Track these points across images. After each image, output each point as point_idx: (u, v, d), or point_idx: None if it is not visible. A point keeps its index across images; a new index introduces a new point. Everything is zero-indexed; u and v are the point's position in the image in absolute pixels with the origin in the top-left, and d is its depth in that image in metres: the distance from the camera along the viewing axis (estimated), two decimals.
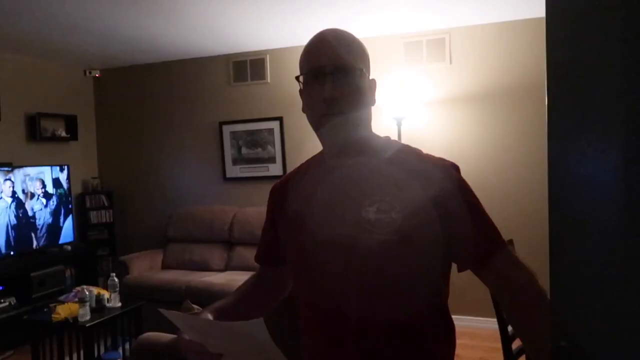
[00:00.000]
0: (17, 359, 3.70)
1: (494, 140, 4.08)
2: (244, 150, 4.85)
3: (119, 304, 3.30)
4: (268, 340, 0.89)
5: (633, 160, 0.56)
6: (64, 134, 4.91)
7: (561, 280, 0.65)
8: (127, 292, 3.98)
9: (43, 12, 3.45)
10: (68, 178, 4.73)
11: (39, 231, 4.44)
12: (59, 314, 3.07)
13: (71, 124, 4.98)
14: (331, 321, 1.01)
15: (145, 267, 4.51)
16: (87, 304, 3.08)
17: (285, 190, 1.15)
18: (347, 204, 1.01)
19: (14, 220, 4.23)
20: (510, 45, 4.01)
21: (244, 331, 0.90)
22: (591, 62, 0.60)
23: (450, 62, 4.16)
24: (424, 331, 1.01)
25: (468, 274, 1.04)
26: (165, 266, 4.64)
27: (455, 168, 1.04)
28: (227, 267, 4.47)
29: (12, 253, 4.17)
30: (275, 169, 4.72)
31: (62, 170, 4.69)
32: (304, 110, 1.08)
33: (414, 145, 1.11)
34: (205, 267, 4.46)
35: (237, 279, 3.97)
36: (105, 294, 3.31)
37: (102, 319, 3.13)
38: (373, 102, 1.07)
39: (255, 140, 4.80)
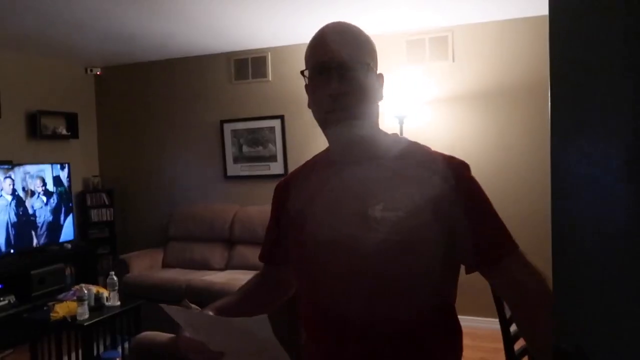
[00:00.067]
0: (17, 358, 3.69)
1: (496, 139, 4.05)
2: (245, 149, 4.83)
3: (118, 303, 3.29)
4: (271, 337, 0.86)
5: (635, 160, 0.55)
6: (64, 131, 4.90)
7: (563, 281, 0.64)
8: (127, 291, 3.96)
9: (44, 10, 3.43)
10: (69, 176, 4.71)
11: (39, 229, 4.43)
12: (57, 312, 3.06)
13: (72, 121, 4.96)
14: (333, 321, 0.98)
15: (146, 265, 4.49)
16: (86, 302, 3.06)
17: (289, 188, 1.13)
18: (352, 202, 0.98)
19: (14, 218, 4.21)
20: (513, 44, 3.98)
21: (246, 328, 0.88)
22: (594, 61, 0.59)
23: (453, 60, 4.13)
24: (429, 333, 0.98)
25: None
26: (165, 265, 4.62)
27: (465, 167, 1.00)
28: (228, 266, 4.45)
29: (12, 251, 4.15)
30: (276, 168, 4.70)
31: (62, 168, 4.68)
32: (309, 106, 1.04)
33: None
34: (206, 266, 4.44)
35: (238, 278, 3.95)
36: (105, 293, 3.29)
37: (100, 318, 3.11)
38: (380, 98, 1.03)
39: (257, 138, 4.78)
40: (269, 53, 4.68)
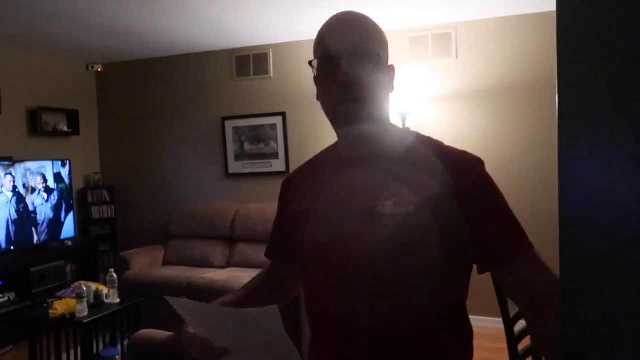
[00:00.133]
0: (16, 355, 3.67)
1: (499, 136, 4.01)
2: (246, 146, 4.80)
3: (118, 300, 3.27)
4: (281, 330, 0.82)
5: None
6: (65, 128, 4.88)
7: (570, 283, 0.62)
8: (127, 288, 3.94)
9: (45, 6, 3.41)
10: (70, 173, 4.70)
11: (39, 226, 4.42)
12: (56, 309, 3.04)
13: (73, 118, 4.94)
14: (340, 320, 0.95)
15: (146, 263, 4.48)
16: (85, 300, 3.04)
17: (297, 184, 1.09)
18: (361, 198, 0.94)
19: (14, 215, 4.20)
20: (517, 40, 3.94)
21: (255, 319, 0.83)
22: (604, 59, 0.58)
23: (457, 57, 4.09)
24: (439, 333, 0.94)
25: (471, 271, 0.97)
26: (166, 262, 4.60)
27: (479, 162, 0.96)
28: (229, 264, 4.42)
29: (12, 248, 4.14)
30: (278, 165, 4.67)
31: (63, 165, 4.66)
32: (318, 98, 1.00)
33: None
34: (207, 264, 4.42)
35: (239, 275, 3.93)
36: (104, 290, 3.27)
37: (99, 315, 3.09)
38: (391, 90, 0.99)
39: (258, 135, 4.75)
40: (271, 50, 4.65)
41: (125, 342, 3.33)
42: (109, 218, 5.10)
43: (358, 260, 0.92)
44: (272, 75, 4.68)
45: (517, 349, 1.88)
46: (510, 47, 3.96)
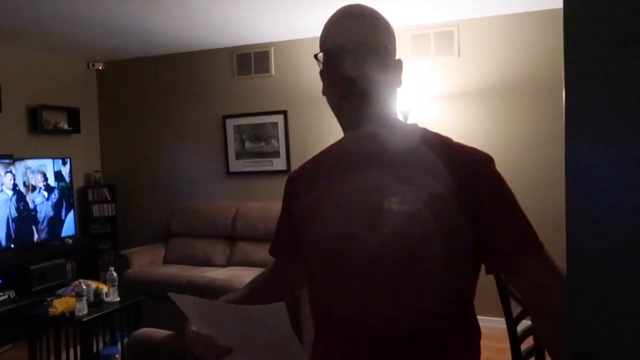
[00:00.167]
0: (16, 353, 3.66)
1: (502, 135, 3.99)
2: (247, 145, 4.79)
3: (118, 299, 3.25)
4: (287, 328, 0.79)
5: None
6: (66, 126, 4.87)
7: (577, 283, 0.60)
8: (128, 287, 3.94)
9: (46, 4, 3.40)
10: (70, 171, 4.69)
11: (40, 224, 4.41)
12: (55, 308, 3.03)
13: (73, 116, 4.93)
14: (346, 319, 0.92)
15: (147, 261, 4.47)
16: (84, 298, 3.03)
17: (302, 179, 1.07)
18: (368, 194, 0.92)
19: (14, 213, 4.19)
20: (519, 38, 3.92)
21: (261, 317, 0.81)
22: (615, 56, 0.56)
23: (459, 55, 4.07)
24: (446, 333, 0.92)
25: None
26: (167, 261, 4.59)
27: (488, 159, 0.94)
28: (230, 263, 4.41)
29: (12, 246, 4.13)
30: (279, 164, 4.65)
31: (64, 163, 4.65)
32: (323, 93, 0.98)
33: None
34: (207, 263, 4.40)
35: (239, 274, 3.91)
36: (104, 288, 3.25)
37: (99, 314, 3.08)
38: (399, 84, 0.98)
39: (259, 134, 4.73)
40: (272, 48, 4.63)
41: (125, 340, 3.32)
42: (110, 216, 5.09)
43: (364, 258, 0.90)
44: (273, 74, 4.66)
45: (519, 349, 1.86)
46: (513, 45, 3.94)
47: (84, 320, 2.97)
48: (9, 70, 4.41)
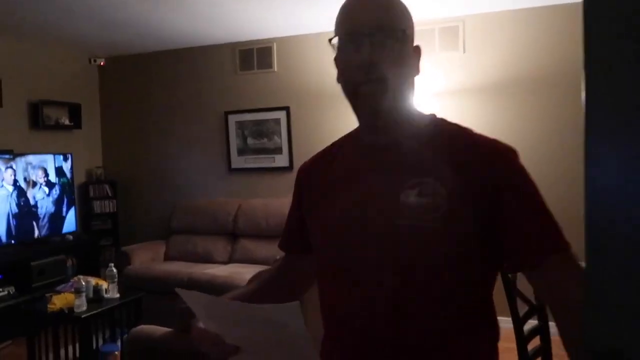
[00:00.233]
0: (15, 349, 3.64)
1: (507, 133, 3.93)
2: (249, 141, 4.75)
3: (117, 295, 3.22)
4: (301, 328, 0.76)
5: None
6: (67, 122, 4.84)
7: (596, 284, 0.57)
8: (128, 283, 3.91)
9: None
10: (71, 167, 4.66)
11: (40, 220, 4.38)
12: (54, 304, 3.00)
13: (75, 112, 4.90)
14: (356, 317, 0.88)
15: (148, 258, 4.44)
16: (84, 294, 3.00)
17: (314, 171, 1.02)
18: (383, 186, 0.87)
19: (15, 209, 4.16)
20: (526, 34, 3.86)
21: (274, 316, 0.78)
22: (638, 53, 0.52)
23: (464, 51, 4.02)
24: (466, 333, 0.87)
25: None
26: (168, 257, 4.56)
27: (512, 152, 0.88)
28: (231, 260, 4.38)
29: (12, 242, 4.11)
30: (281, 160, 4.61)
31: (65, 159, 4.62)
32: (338, 80, 0.92)
33: None
34: (209, 259, 4.37)
35: (241, 271, 3.88)
36: (104, 285, 3.22)
37: (98, 310, 3.05)
38: (417, 72, 0.92)
39: (261, 130, 4.69)
40: (275, 43, 4.59)
41: (125, 337, 3.30)
42: (111, 212, 5.06)
43: (377, 252, 0.86)
44: (276, 69, 4.62)
45: (526, 349, 1.82)
46: (518, 41, 3.89)
47: (82, 316, 2.94)
48: (10, 65, 4.38)
